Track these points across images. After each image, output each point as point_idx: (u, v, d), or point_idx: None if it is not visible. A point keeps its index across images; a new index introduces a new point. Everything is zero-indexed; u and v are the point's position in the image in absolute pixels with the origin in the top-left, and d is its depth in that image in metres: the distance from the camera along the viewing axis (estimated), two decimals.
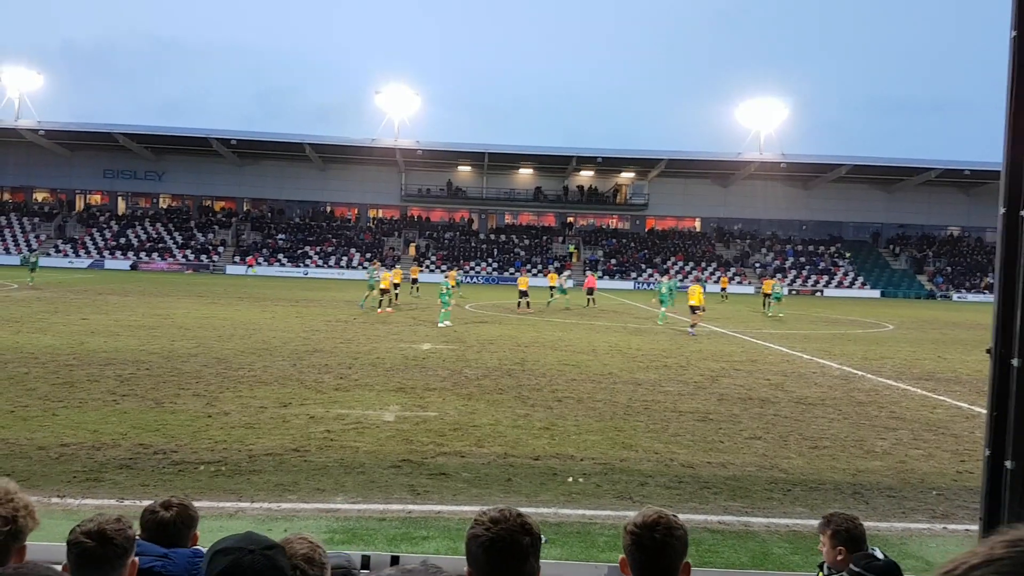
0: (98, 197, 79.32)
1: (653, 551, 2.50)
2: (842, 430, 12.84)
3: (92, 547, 2.50)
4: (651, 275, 71.83)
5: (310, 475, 9.33)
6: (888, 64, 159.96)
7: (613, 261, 75.68)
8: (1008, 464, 3.49)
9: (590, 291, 43.14)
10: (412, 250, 75.45)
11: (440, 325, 27.45)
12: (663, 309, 33.08)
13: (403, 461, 9.96)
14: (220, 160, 75.86)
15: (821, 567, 4.47)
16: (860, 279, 74.76)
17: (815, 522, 8.14)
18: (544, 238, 79.77)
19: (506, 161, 76.12)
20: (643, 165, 76.68)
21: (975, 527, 7.52)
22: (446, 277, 32.34)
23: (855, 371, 19.78)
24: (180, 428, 11.28)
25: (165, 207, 79.78)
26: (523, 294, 39.13)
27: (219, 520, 7.41)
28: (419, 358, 19.03)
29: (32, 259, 45.82)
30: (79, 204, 78.73)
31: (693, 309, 28.34)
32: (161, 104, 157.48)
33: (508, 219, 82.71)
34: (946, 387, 17.73)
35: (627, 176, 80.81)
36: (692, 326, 28.17)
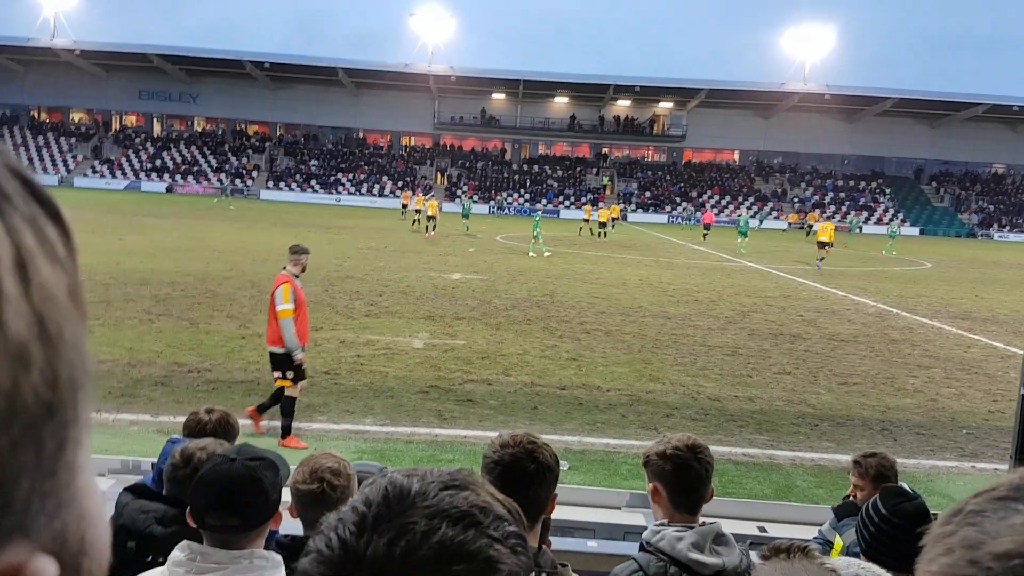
0: (133, 118, 79.52)
1: (699, 475, 2.50)
2: (873, 367, 12.73)
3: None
4: (684, 208, 71.10)
5: (340, 397, 9.50)
6: None
7: (647, 194, 74.79)
8: None
9: (707, 227, 44.77)
10: (440, 179, 75.13)
11: (542, 255, 28.47)
12: (744, 239, 36.92)
13: (431, 387, 10.08)
14: (254, 83, 75.44)
15: (845, 499, 4.46)
16: (900, 216, 73.26)
17: (841, 457, 8.14)
18: (578, 169, 78.83)
19: (541, 89, 74.81)
20: (682, 95, 74.95)
21: (1004, 466, 7.46)
22: (536, 211, 33.29)
23: (890, 309, 19.53)
24: (214, 348, 11.48)
25: (200, 130, 79.89)
26: (602, 225, 40.95)
27: (252, 438, 7.57)
28: (449, 288, 19.10)
29: (227, 188, 56.16)
30: (115, 125, 79.09)
31: (823, 244, 30.32)
32: (199, 28, 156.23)
33: (542, 149, 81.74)
34: (982, 326, 17.46)
35: (665, 106, 79.16)
36: (820, 259, 29.94)
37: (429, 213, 35.80)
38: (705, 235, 43.75)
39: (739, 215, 40.48)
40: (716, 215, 70.77)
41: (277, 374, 8.15)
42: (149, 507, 2.73)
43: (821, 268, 29.14)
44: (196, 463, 2.77)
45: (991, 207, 74.59)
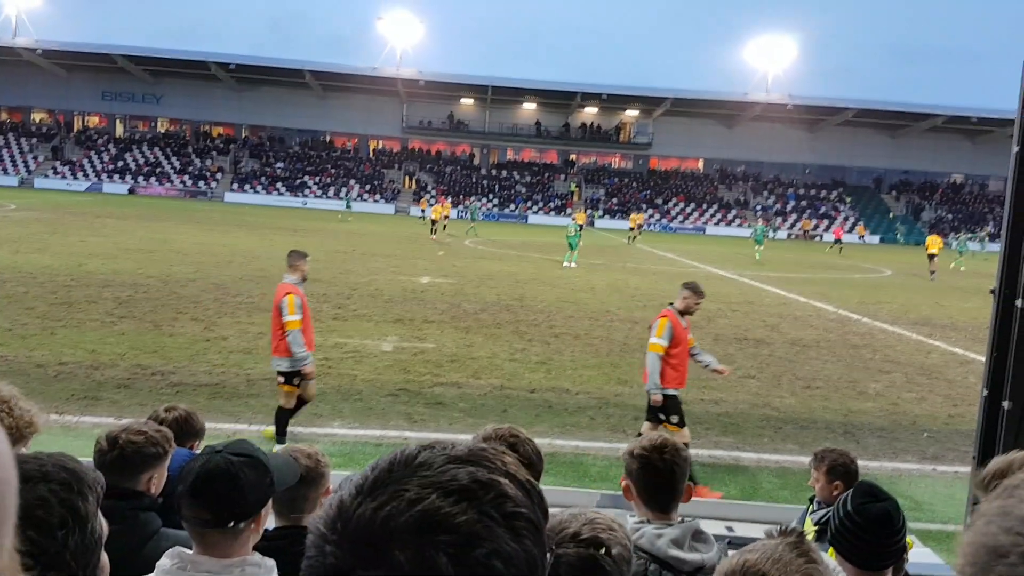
0: (96, 119, 78.25)
1: (662, 472, 2.53)
2: (836, 371, 12.93)
3: None
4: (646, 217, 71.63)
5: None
6: (903, 10, 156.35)
7: (614, 200, 75.23)
8: (1005, 404, 3.50)
9: (837, 241, 48.97)
10: (409, 183, 74.86)
11: (572, 265, 27.78)
12: (760, 247, 38.31)
13: (400, 390, 10.05)
14: (219, 85, 74.63)
15: (811, 500, 4.53)
16: (860, 224, 74.44)
17: (805, 459, 8.25)
18: (546, 175, 79.08)
19: (510, 95, 74.94)
20: (648, 103, 75.55)
21: (965, 468, 7.63)
22: (573, 219, 32.29)
23: (851, 315, 19.84)
24: (178, 351, 11.34)
25: (163, 131, 78.83)
26: (631, 229, 45.66)
27: (217, 440, 7.49)
28: (418, 291, 19.05)
29: (348, 201, 57.49)
30: (77, 125, 77.76)
31: (932, 257, 33.31)
32: (166, 29, 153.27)
33: (510, 154, 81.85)
34: (942, 333, 17.81)
35: (631, 114, 79.74)
36: (932, 272, 32.65)
37: (432, 217, 39.19)
38: (840, 249, 46.63)
39: (758, 225, 43.71)
40: (681, 222, 71.80)
41: (674, 418, 7.57)
42: None
43: (935, 279, 31.91)
44: (121, 445, 2.73)
45: (949, 216, 76.07)
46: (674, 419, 7.42)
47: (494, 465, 0.77)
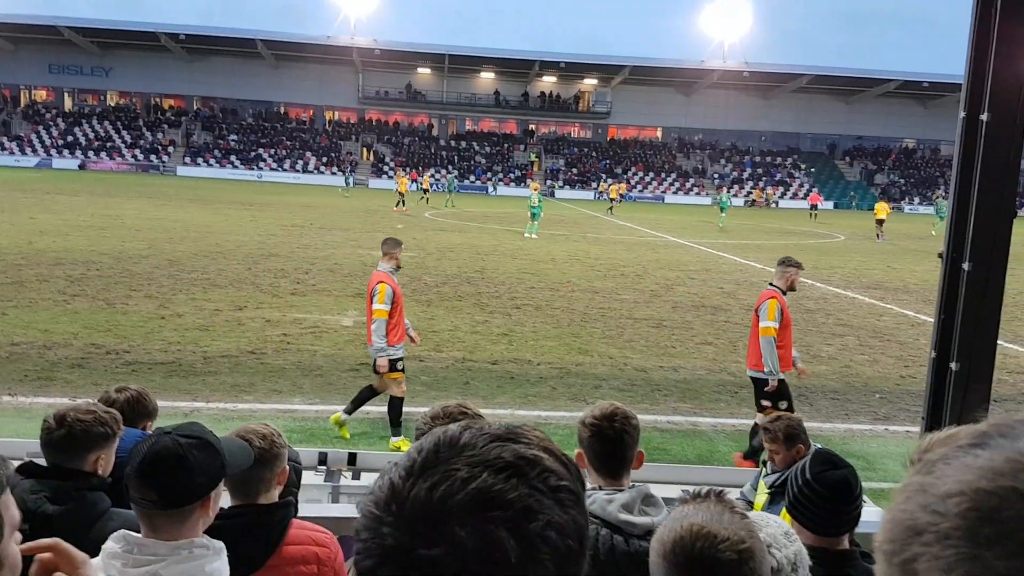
0: (43, 93, 75.99)
1: (612, 440, 2.57)
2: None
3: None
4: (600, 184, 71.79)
5: (267, 377, 9.36)
6: None
7: (574, 171, 75.24)
8: (953, 365, 3.58)
9: (814, 207, 49.90)
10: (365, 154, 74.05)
11: (533, 236, 27.58)
12: (723, 215, 39.44)
13: (361, 364, 10.00)
14: (169, 56, 72.82)
15: (764, 463, 4.62)
16: (815, 190, 75.41)
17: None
18: (505, 146, 78.73)
19: (467, 64, 74.23)
20: (606, 71, 75.43)
21: (916, 428, 7.84)
22: (534, 189, 31.54)
23: (805, 280, 20.07)
24: (132, 329, 11.16)
25: (113, 104, 76.85)
26: (611, 199, 47.60)
27: (174, 419, 7.39)
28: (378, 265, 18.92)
29: (348, 178, 57.10)
30: (24, 100, 75.48)
31: (880, 222, 35.07)
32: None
33: (469, 125, 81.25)
34: (894, 296, 18.18)
35: (590, 83, 79.55)
36: (879, 235, 34.32)
37: (400, 190, 39.86)
38: (814, 215, 48.34)
39: (723, 193, 45.16)
40: (640, 191, 72.11)
41: (767, 403, 7.03)
42: (38, 486, 2.62)
43: (883, 241, 33.45)
44: (69, 424, 2.70)
45: (901, 180, 77.37)
46: (782, 404, 7.02)
47: (531, 441, 0.82)
